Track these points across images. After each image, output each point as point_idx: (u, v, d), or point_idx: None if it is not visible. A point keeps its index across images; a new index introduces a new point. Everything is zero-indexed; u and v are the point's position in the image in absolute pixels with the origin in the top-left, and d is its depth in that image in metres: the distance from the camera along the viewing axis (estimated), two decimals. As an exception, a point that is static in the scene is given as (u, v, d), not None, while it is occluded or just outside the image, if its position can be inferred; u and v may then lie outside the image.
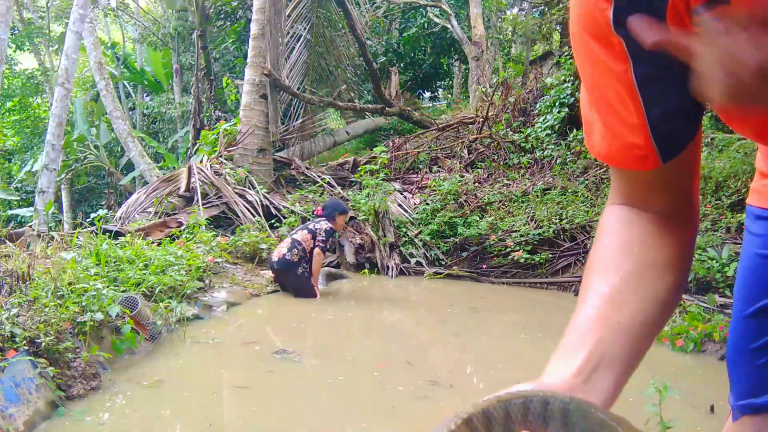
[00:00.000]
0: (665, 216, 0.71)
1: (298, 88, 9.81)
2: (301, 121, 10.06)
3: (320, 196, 8.26)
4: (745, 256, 0.86)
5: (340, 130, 12.24)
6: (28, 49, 17.74)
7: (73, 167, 14.07)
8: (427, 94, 17.93)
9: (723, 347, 3.89)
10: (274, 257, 5.50)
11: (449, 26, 13.60)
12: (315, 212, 5.96)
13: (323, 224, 5.63)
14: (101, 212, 6.82)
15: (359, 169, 8.37)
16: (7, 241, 4.71)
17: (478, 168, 8.85)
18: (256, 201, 7.54)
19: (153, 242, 5.64)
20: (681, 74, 0.61)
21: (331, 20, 10.71)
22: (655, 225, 0.71)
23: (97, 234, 5.40)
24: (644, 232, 0.71)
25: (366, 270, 6.96)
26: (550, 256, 6.66)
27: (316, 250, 5.51)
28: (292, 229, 6.42)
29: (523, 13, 15.86)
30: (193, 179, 7.53)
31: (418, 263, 7.14)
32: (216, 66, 14.54)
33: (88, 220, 6.57)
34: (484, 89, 10.84)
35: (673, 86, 0.62)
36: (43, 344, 2.87)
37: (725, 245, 5.19)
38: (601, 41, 0.62)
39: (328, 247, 5.76)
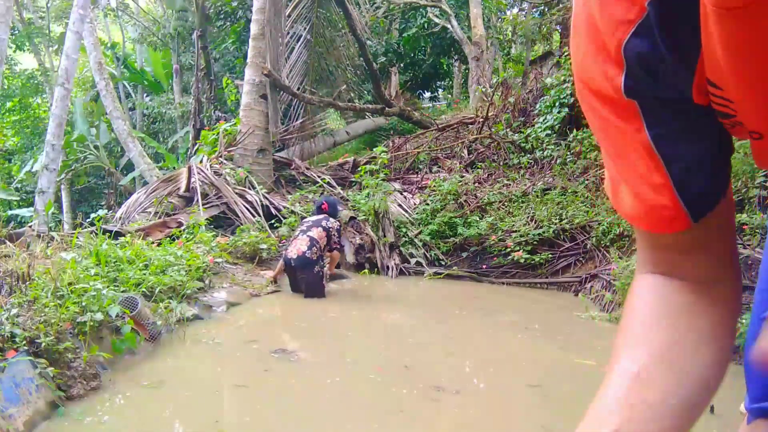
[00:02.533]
0: (700, 284, 0.66)
1: (298, 89, 9.81)
2: (301, 121, 10.06)
3: (320, 196, 8.26)
4: (765, 255, 0.84)
5: (340, 131, 12.24)
6: (28, 49, 17.74)
7: (73, 167, 14.07)
8: (427, 95, 17.92)
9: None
10: (292, 254, 5.47)
11: (449, 26, 13.60)
12: (323, 207, 5.95)
13: (334, 223, 5.70)
14: (101, 212, 6.83)
15: (359, 169, 8.37)
16: (7, 241, 4.71)
17: (478, 168, 8.85)
18: (256, 201, 7.54)
19: (153, 242, 5.64)
20: (699, 130, 0.59)
21: (331, 20, 10.71)
22: (688, 295, 0.65)
23: (97, 234, 5.40)
24: (675, 303, 0.65)
25: (366, 270, 6.95)
26: (550, 256, 6.66)
27: (335, 251, 5.73)
28: (294, 229, 6.42)
29: (523, 13, 15.85)
30: (193, 179, 7.53)
31: (418, 263, 7.14)
32: (216, 66, 14.53)
33: (88, 220, 6.57)
34: (484, 89, 10.83)
35: (692, 142, 0.60)
36: (43, 344, 2.87)
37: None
38: (612, 105, 0.59)
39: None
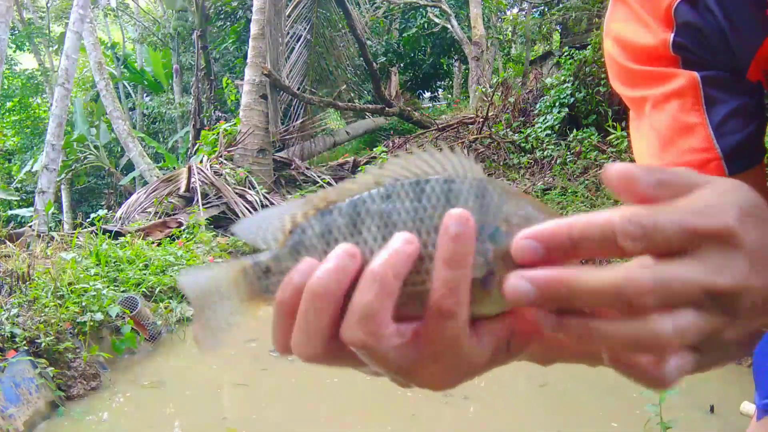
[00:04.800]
0: None
1: (298, 88, 9.81)
2: (301, 121, 10.06)
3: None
4: None
5: (340, 130, 12.24)
6: (28, 49, 17.75)
7: (73, 167, 14.06)
8: (427, 94, 17.93)
9: (723, 347, 3.88)
10: None
11: (449, 26, 13.60)
12: None
13: None
14: (101, 212, 6.82)
15: (359, 169, 8.38)
16: (7, 241, 4.71)
17: (478, 168, 8.85)
18: (256, 201, 7.54)
19: (153, 242, 5.64)
20: (743, 90, 0.59)
21: (331, 20, 10.71)
22: None
23: (97, 234, 5.40)
24: None
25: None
26: (550, 256, 6.65)
27: None
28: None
29: (523, 13, 15.86)
30: (193, 179, 7.53)
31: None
32: (216, 66, 14.54)
33: (88, 220, 6.57)
34: (484, 89, 10.83)
35: (735, 92, 0.59)
36: (43, 344, 2.87)
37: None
38: (653, 59, 0.60)
39: None
